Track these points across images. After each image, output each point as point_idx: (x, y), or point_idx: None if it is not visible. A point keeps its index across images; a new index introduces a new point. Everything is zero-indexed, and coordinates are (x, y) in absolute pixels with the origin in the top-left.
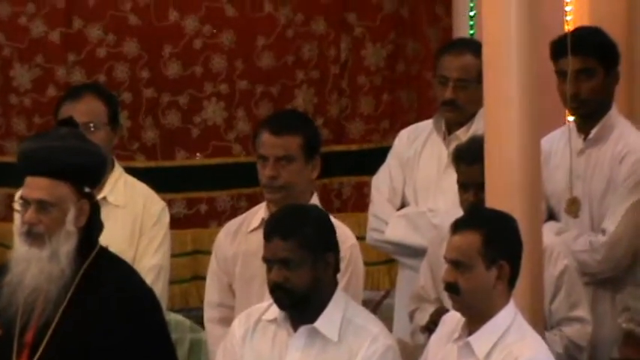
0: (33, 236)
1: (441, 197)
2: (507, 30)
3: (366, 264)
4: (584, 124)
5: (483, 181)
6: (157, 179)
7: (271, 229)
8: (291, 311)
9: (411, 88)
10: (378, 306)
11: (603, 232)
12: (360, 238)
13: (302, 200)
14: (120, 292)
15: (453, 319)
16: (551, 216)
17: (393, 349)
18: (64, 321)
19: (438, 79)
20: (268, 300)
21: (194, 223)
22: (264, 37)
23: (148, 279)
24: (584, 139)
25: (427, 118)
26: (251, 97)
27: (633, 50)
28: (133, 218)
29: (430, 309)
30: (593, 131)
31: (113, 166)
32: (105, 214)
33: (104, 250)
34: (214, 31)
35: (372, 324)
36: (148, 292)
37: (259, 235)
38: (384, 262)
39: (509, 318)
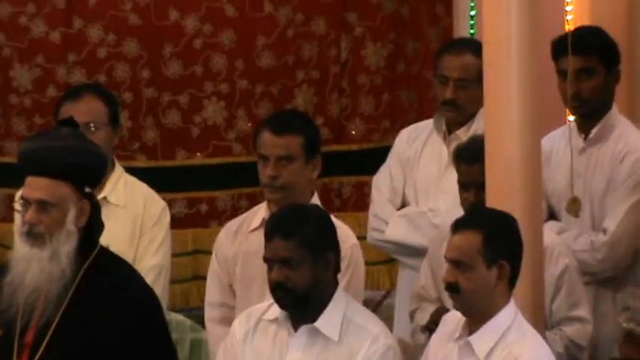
0: (33, 236)
1: (441, 197)
2: (508, 30)
3: (367, 264)
4: (585, 124)
5: (484, 181)
6: (157, 179)
7: (272, 228)
8: (291, 311)
9: (411, 87)
10: (379, 306)
11: (604, 231)
12: (361, 238)
13: (302, 200)
14: (120, 292)
15: (454, 318)
16: (552, 215)
17: (394, 348)
18: (65, 321)
19: (439, 78)
20: (269, 300)
21: (195, 222)
22: (264, 36)
23: (149, 279)
24: (585, 138)
25: (427, 117)
26: (251, 96)
27: (634, 50)
28: (134, 218)
29: (430, 309)
30: (594, 131)
31: (113, 166)
32: (105, 214)
33: (105, 250)
34: (214, 30)
35: (372, 324)
36: (148, 292)
37: (260, 235)
38: (385, 261)
39: (509, 318)
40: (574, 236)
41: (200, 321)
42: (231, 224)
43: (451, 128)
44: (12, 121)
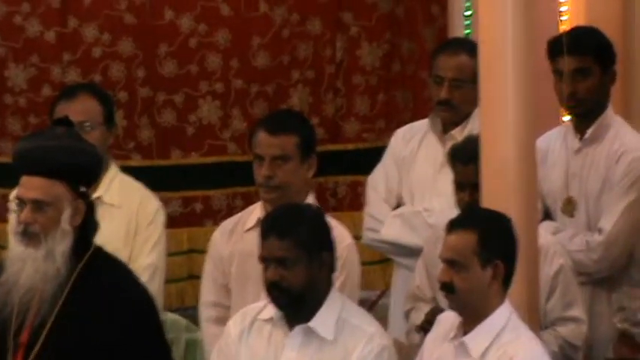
0: (29, 236)
1: (436, 197)
2: (503, 30)
3: (362, 263)
4: (581, 124)
5: (479, 181)
6: (152, 178)
7: (267, 228)
8: (287, 310)
9: (407, 87)
10: (374, 305)
11: (600, 231)
12: (356, 238)
13: (298, 199)
14: (115, 291)
15: (449, 318)
16: (547, 216)
17: (389, 348)
18: (60, 321)
19: (434, 78)
20: (264, 299)
21: (190, 221)
22: (259, 36)
23: (144, 278)
24: (581, 138)
25: (422, 117)
26: (246, 96)
27: (629, 50)
28: (129, 218)
29: (425, 308)
30: (590, 131)
31: (108, 165)
32: (100, 214)
33: (100, 250)
34: (209, 30)
35: (367, 324)
36: (143, 292)
37: (255, 235)
38: (380, 261)
39: (504, 317)
40: (569, 236)
41: (195, 320)
42: (227, 224)
43: (446, 128)
44: (7, 120)
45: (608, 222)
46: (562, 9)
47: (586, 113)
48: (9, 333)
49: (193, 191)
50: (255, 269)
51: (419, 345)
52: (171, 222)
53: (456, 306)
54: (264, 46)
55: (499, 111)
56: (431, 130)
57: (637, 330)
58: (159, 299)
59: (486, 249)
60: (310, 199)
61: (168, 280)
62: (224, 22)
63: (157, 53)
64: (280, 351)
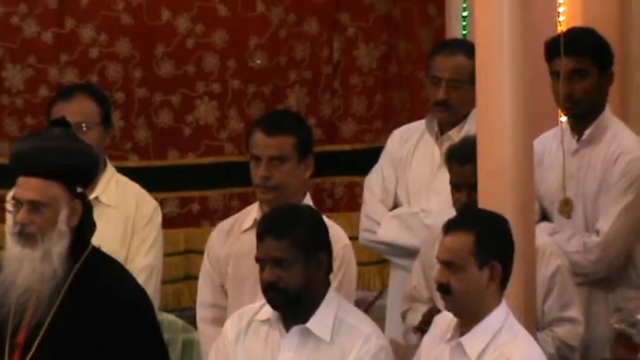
0: (25, 236)
1: (433, 198)
2: (500, 30)
3: (358, 264)
4: (578, 125)
5: (476, 182)
6: (149, 179)
7: (264, 228)
8: (283, 311)
9: (404, 88)
10: (371, 306)
11: (597, 232)
12: (352, 238)
13: (295, 200)
14: (112, 292)
15: (445, 319)
16: (544, 217)
17: (386, 349)
18: (56, 321)
19: (431, 79)
20: (261, 300)
21: (186, 222)
22: (256, 37)
23: (140, 279)
24: (578, 139)
25: (420, 118)
26: (243, 96)
27: (626, 51)
28: (125, 218)
29: (422, 309)
30: (587, 132)
31: (105, 166)
32: (97, 214)
33: (96, 251)
34: (206, 30)
35: (364, 324)
36: (140, 293)
37: (252, 236)
38: (376, 262)
39: (501, 318)
40: (567, 237)
41: (192, 321)
42: (224, 224)
43: (443, 129)
44: (4, 121)
45: (606, 223)
46: (559, 10)
47: (583, 114)
48: (6, 334)
49: (190, 192)
50: (252, 270)
51: (416, 346)
52: (168, 222)
53: (453, 307)
54: (261, 46)
55: (496, 112)
56: (428, 130)
57: (634, 331)
58: (156, 300)
59: (483, 250)
60: (306, 200)
61: (165, 281)
62: (221, 22)
63: (154, 54)
64: (277, 352)
